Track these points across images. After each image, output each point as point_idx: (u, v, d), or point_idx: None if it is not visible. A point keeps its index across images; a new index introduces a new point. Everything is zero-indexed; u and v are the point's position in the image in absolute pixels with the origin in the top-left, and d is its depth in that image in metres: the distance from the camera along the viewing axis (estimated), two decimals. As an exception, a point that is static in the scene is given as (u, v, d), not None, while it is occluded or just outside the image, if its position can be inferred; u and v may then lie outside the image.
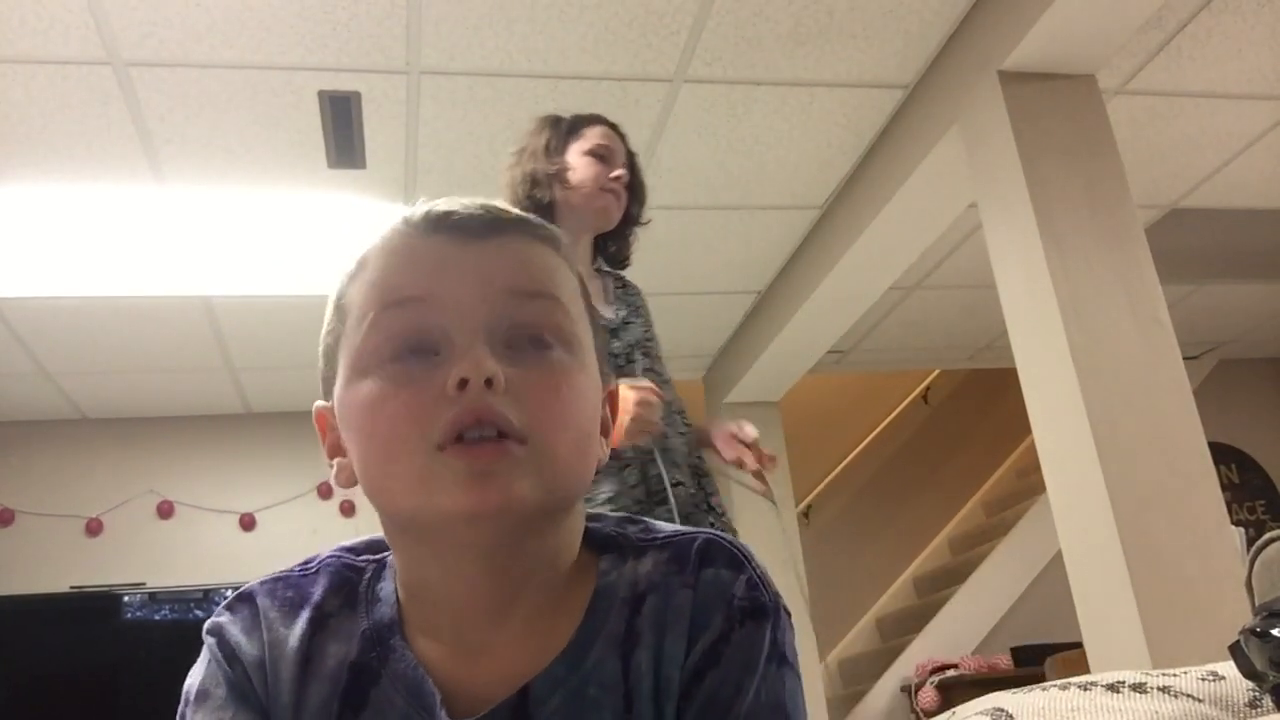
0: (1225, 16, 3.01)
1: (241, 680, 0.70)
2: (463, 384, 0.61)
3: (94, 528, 4.90)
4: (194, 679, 0.72)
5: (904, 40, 2.99)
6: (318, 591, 0.72)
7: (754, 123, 3.29)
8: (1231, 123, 3.57)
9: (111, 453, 5.04)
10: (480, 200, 0.69)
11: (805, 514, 6.24)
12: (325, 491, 5.07)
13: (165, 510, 4.98)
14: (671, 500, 1.83)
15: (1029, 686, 0.76)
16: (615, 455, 1.80)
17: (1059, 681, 0.75)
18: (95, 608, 4.66)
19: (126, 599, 4.69)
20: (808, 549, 5.13)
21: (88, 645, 4.62)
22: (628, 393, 1.71)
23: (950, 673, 4.88)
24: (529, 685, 0.65)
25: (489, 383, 0.61)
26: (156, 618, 4.70)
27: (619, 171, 2.05)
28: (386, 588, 0.71)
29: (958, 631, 5.37)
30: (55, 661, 4.59)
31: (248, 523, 5.04)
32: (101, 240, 3.58)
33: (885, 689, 5.35)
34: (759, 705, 0.65)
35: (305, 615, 0.70)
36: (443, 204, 0.68)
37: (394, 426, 0.63)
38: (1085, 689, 0.72)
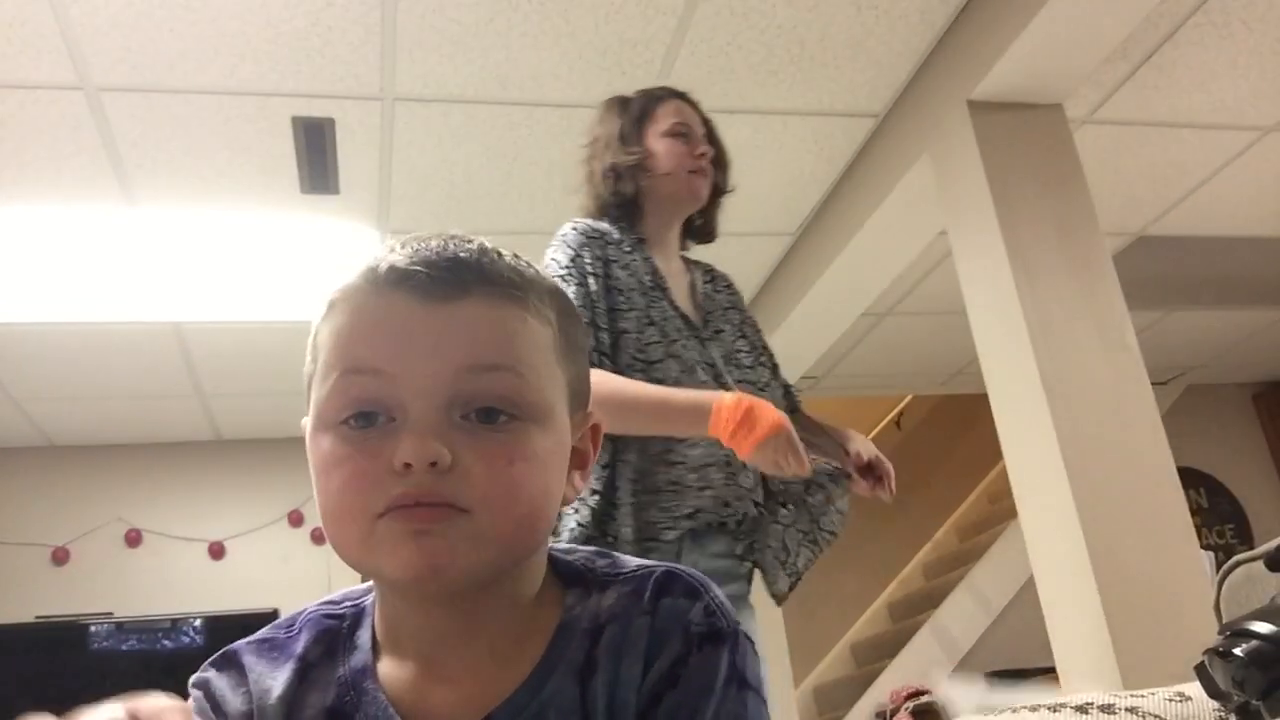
0: (1189, 48, 3.06)
1: None
2: (408, 465, 0.63)
3: (60, 556, 4.83)
4: None
5: (875, 70, 3.02)
6: (300, 645, 0.74)
7: (728, 149, 3.31)
8: (1197, 152, 3.63)
9: (79, 480, 4.98)
10: (452, 246, 0.69)
11: (779, 540, 6.23)
12: (296, 519, 5.02)
13: (133, 539, 4.92)
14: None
15: (1000, 709, 0.77)
16: (728, 461, 1.72)
17: (1029, 704, 0.75)
18: (61, 638, 4.59)
19: (93, 629, 4.62)
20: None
21: (54, 676, 4.54)
22: (764, 413, 1.60)
23: (925, 698, 4.88)
24: (492, 714, 0.67)
25: (436, 464, 0.63)
26: (124, 648, 4.63)
27: (704, 148, 1.93)
28: (364, 635, 0.74)
29: (932, 657, 5.38)
30: (20, 692, 4.51)
31: (217, 551, 4.98)
32: (72, 265, 3.56)
33: (860, 715, 5.34)
34: None
35: (290, 667, 0.72)
36: (408, 255, 0.68)
37: (342, 494, 0.65)
38: (1055, 710, 0.72)
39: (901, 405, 6.83)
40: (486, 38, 2.74)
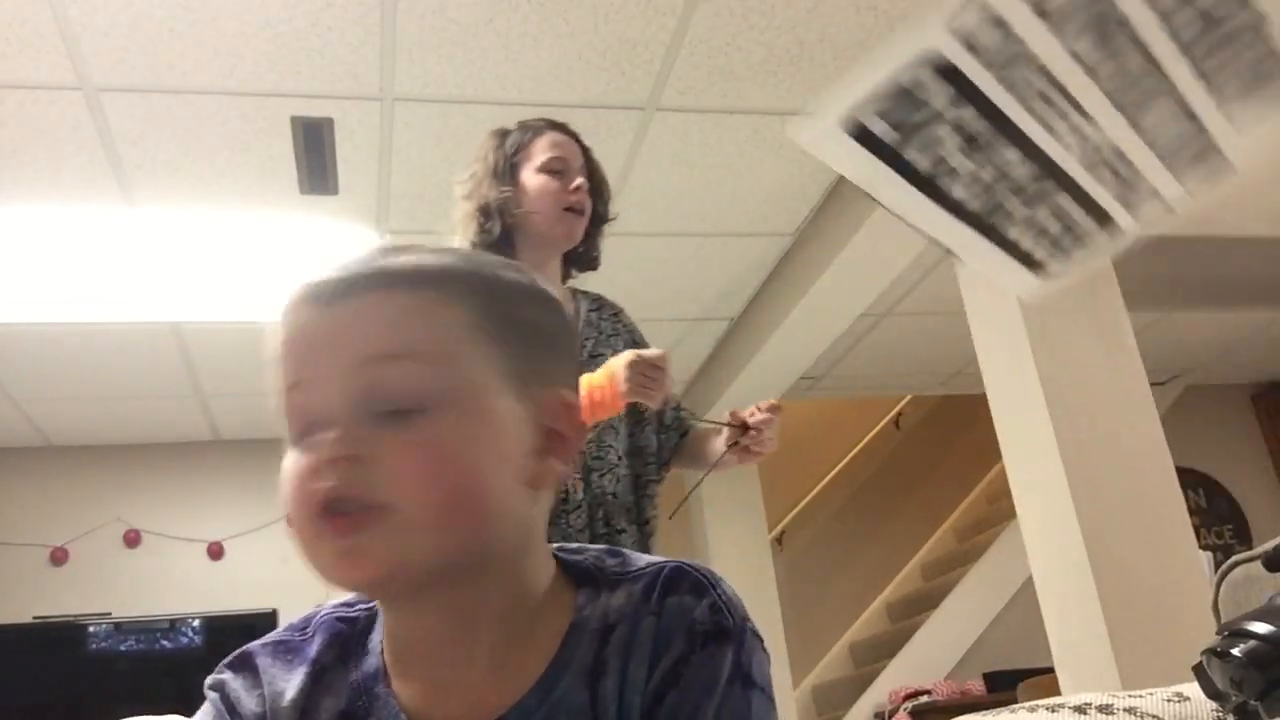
0: (1187, 49, 3.06)
1: None
2: (327, 461, 0.65)
3: (59, 557, 4.83)
4: None
5: (874, 70, 3.02)
6: (314, 648, 0.74)
7: (726, 151, 3.31)
8: (1195, 153, 3.62)
9: (77, 480, 4.98)
10: (368, 254, 0.70)
11: (778, 540, 6.24)
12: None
13: (132, 539, 4.92)
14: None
15: (998, 710, 0.77)
16: (564, 499, 1.74)
17: (1027, 704, 0.75)
18: (60, 638, 4.59)
19: (92, 629, 4.62)
20: (780, 576, 5.13)
21: (52, 676, 4.54)
22: (618, 361, 1.63)
23: (923, 699, 4.88)
24: (502, 718, 0.67)
25: (350, 458, 0.64)
26: (122, 648, 4.63)
27: (577, 182, 1.89)
28: (374, 638, 0.74)
29: (931, 657, 5.38)
30: (19, 693, 4.51)
31: (216, 552, 4.98)
32: (71, 265, 3.55)
33: (859, 716, 5.35)
34: None
35: (303, 671, 0.73)
36: (321, 272, 0.70)
37: (290, 500, 0.67)
38: (1053, 711, 0.72)
39: (900, 406, 6.83)
40: (486, 38, 2.75)
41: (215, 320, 4.00)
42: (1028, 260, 1.16)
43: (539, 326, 0.73)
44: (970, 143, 0.97)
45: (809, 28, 2.82)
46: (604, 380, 1.64)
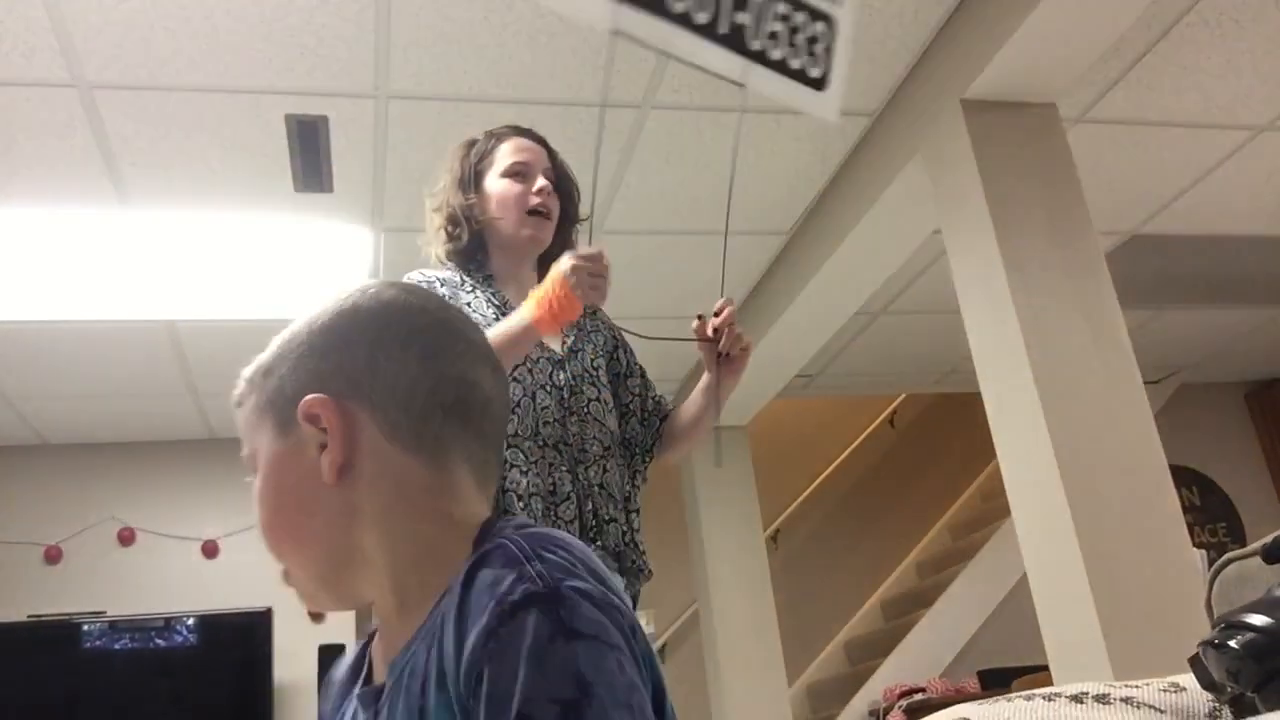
0: (1182, 47, 3.07)
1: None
2: None
3: (53, 555, 4.82)
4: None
5: (869, 68, 3.03)
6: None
7: (721, 149, 3.31)
8: (1190, 151, 3.64)
9: (72, 479, 4.97)
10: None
11: (773, 538, 6.25)
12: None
13: (126, 537, 4.91)
14: (605, 537, 1.79)
15: (995, 698, 0.77)
16: (553, 491, 1.77)
17: (1023, 693, 0.75)
18: (54, 637, 4.58)
19: (86, 628, 4.61)
20: (775, 574, 5.14)
21: (47, 675, 4.53)
22: (560, 267, 1.66)
23: (918, 696, 4.89)
24: (390, 665, 0.80)
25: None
26: (117, 647, 4.62)
27: (539, 185, 1.90)
28: None
29: (925, 655, 5.39)
30: (13, 692, 4.50)
31: (210, 550, 4.97)
32: (64, 263, 3.55)
33: (853, 713, 5.35)
34: (545, 683, 0.65)
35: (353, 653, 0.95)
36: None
37: None
38: (1050, 700, 0.72)
39: (895, 404, 6.84)
40: (480, 35, 2.74)
41: (209, 318, 4.00)
42: (806, 79, 1.48)
43: (279, 360, 0.88)
44: None
45: (804, 26, 2.82)
46: (553, 288, 1.66)
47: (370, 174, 3.25)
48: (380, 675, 0.84)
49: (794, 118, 3.21)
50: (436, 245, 1.95)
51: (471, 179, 1.93)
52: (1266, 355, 5.82)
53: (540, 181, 1.91)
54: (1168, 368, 5.84)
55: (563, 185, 1.98)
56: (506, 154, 1.93)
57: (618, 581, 1.54)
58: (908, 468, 6.69)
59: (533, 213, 1.90)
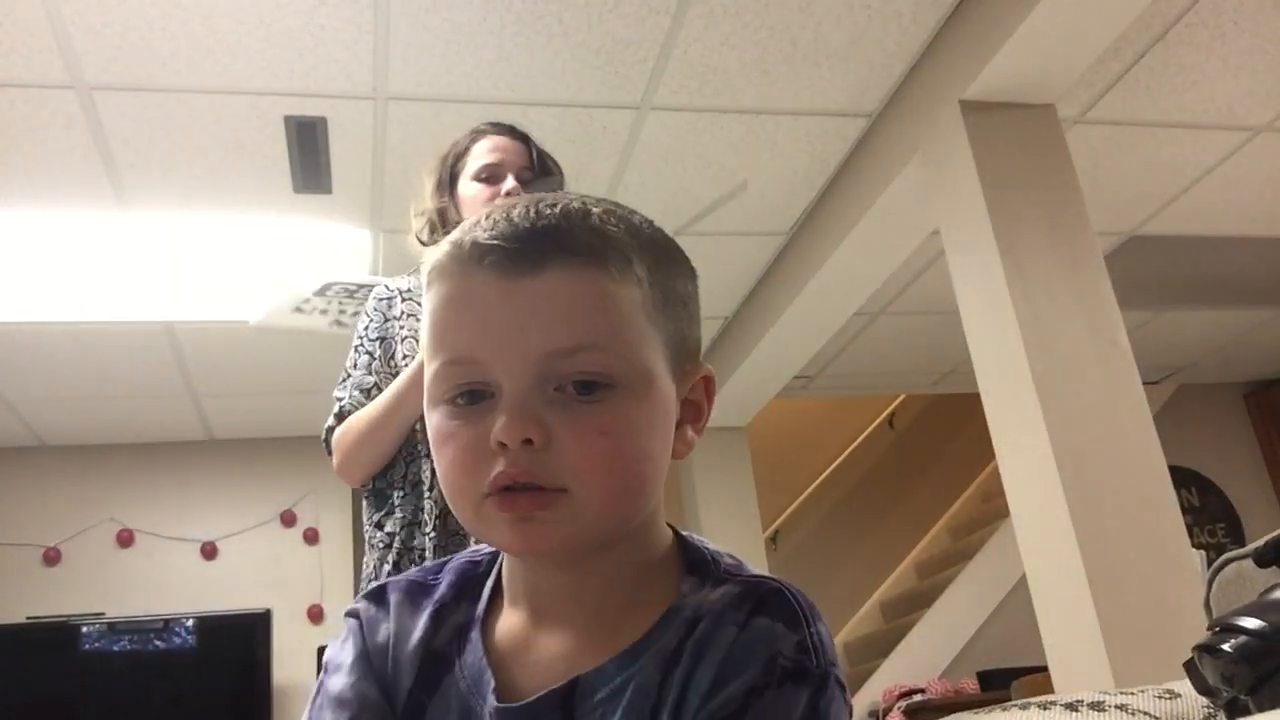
0: (1181, 48, 3.07)
1: (369, 656, 0.77)
2: (503, 444, 0.65)
3: (52, 557, 4.82)
4: (330, 652, 0.78)
5: (868, 69, 3.02)
6: (439, 590, 0.79)
7: (720, 150, 3.31)
8: (1188, 152, 3.64)
9: (70, 480, 4.96)
10: (534, 213, 0.69)
11: (773, 539, 6.25)
12: (288, 519, 5.02)
13: (125, 539, 4.91)
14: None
15: (992, 707, 0.77)
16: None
17: (1019, 702, 0.75)
18: (53, 638, 4.58)
19: (85, 629, 4.61)
20: (775, 573, 5.12)
21: (45, 677, 4.53)
22: None
23: (917, 698, 4.89)
24: (579, 678, 0.69)
25: (529, 441, 0.65)
26: (116, 648, 4.62)
27: (507, 187, 1.85)
28: (490, 584, 0.78)
29: (925, 656, 5.38)
30: (12, 693, 4.50)
31: (209, 551, 4.97)
32: (63, 265, 3.55)
33: (853, 715, 5.35)
34: None
35: (427, 612, 0.77)
36: (489, 229, 0.69)
37: (451, 471, 0.69)
38: (1045, 709, 0.72)
39: (894, 405, 6.84)
40: (479, 36, 2.74)
41: (208, 320, 3.99)
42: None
43: (689, 299, 0.75)
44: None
45: (802, 27, 2.82)
46: None
47: (369, 175, 3.25)
48: (522, 681, 0.72)
49: (793, 119, 3.21)
50: (418, 249, 1.95)
51: (448, 181, 1.92)
52: (1266, 356, 5.82)
53: (509, 183, 1.87)
54: (1167, 368, 5.83)
55: (540, 184, 1.93)
56: (478, 156, 1.91)
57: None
58: (907, 468, 6.69)
59: None
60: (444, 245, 0.71)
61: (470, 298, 0.68)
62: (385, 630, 0.76)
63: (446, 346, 0.69)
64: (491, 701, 0.70)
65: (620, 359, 0.67)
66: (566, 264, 0.67)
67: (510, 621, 0.75)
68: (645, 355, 0.69)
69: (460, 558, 0.81)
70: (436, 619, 0.77)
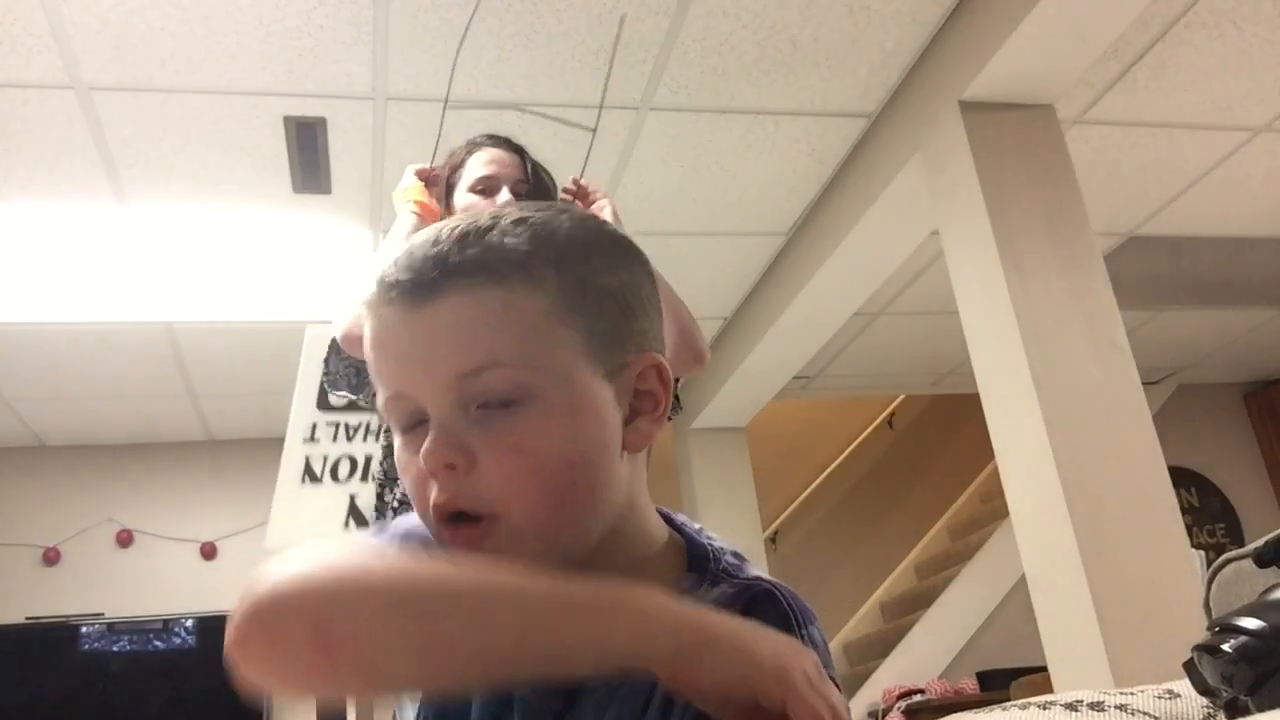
0: (1180, 49, 3.07)
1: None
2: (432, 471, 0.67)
3: (51, 557, 4.82)
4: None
5: (867, 70, 3.03)
6: None
7: (719, 150, 3.31)
8: (1188, 152, 3.64)
9: (70, 480, 4.96)
10: (436, 240, 0.69)
11: (772, 539, 6.25)
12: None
13: (124, 539, 4.91)
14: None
15: (990, 707, 0.77)
16: None
17: (1019, 702, 0.75)
18: (52, 639, 4.58)
19: (84, 630, 4.61)
20: (775, 574, 5.12)
21: (45, 677, 4.53)
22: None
23: (917, 698, 4.89)
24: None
25: (452, 466, 0.66)
26: (115, 649, 4.62)
27: (502, 199, 1.89)
28: None
29: (924, 656, 5.38)
30: (11, 694, 4.50)
31: (209, 552, 4.97)
32: (63, 265, 3.55)
33: (852, 715, 5.33)
34: None
35: None
36: (398, 262, 0.70)
37: (411, 498, 0.70)
38: (1045, 708, 0.72)
39: (893, 405, 6.84)
40: (479, 37, 2.74)
41: (208, 320, 4.00)
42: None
43: (618, 291, 0.72)
44: None
45: (802, 28, 2.82)
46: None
47: (369, 175, 3.25)
48: None
49: (792, 119, 3.21)
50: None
51: (445, 192, 1.96)
52: (1265, 356, 5.82)
53: (503, 195, 1.89)
54: (1166, 369, 5.83)
55: (537, 194, 1.96)
56: (474, 168, 1.93)
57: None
58: (906, 469, 6.69)
59: None
60: (370, 283, 0.72)
61: (385, 334, 0.69)
62: None
63: (380, 383, 0.71)
64: None
65: (528, 370, 0.67)
66: (459, 286, 0.67)
67: None
68: (559, 360, 0.68)
69: None
70: None
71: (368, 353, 0.71)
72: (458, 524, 0.66)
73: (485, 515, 0.66)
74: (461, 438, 0.66)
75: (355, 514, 2.66)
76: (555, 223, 0.71)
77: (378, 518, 1.82)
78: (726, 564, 0.74)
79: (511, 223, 0.70)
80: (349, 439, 2.68)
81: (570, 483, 0.67)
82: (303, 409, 2.66)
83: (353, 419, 2.69)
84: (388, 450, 1.86)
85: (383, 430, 1.92)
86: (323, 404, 2.68)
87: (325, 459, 2.68)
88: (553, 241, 0.70)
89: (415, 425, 0.69)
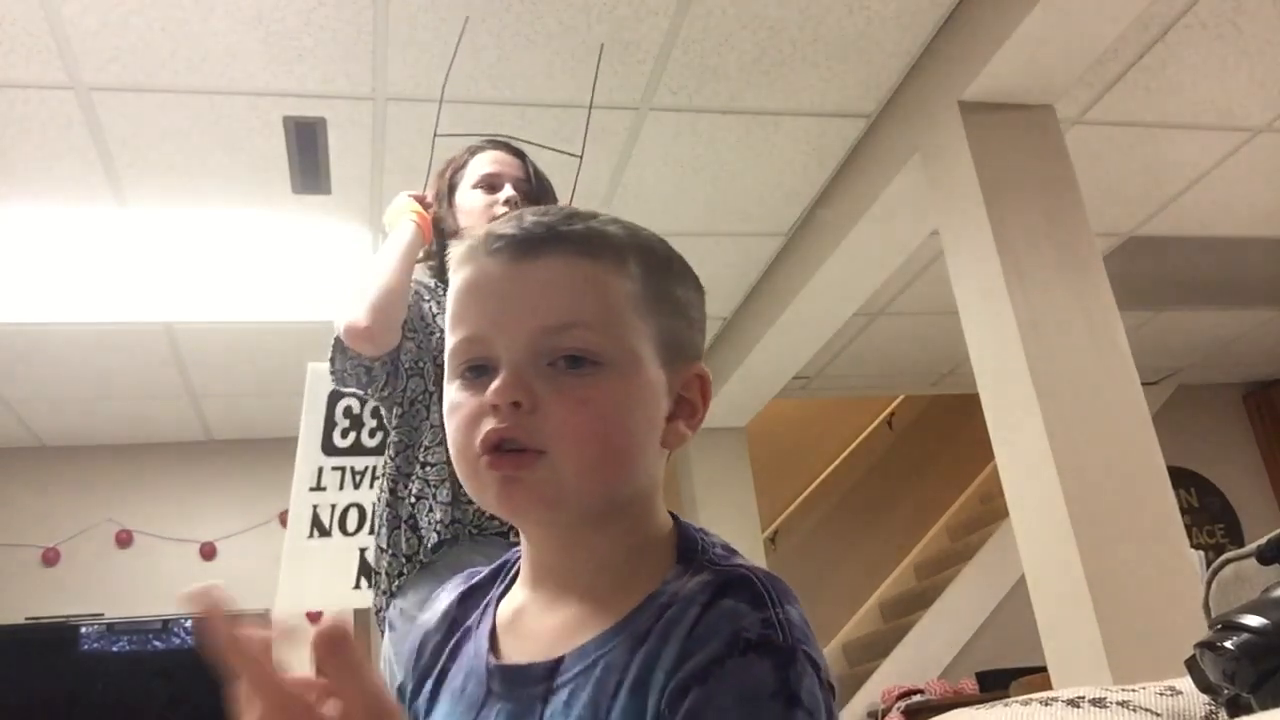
0: (1180, 49, 3.08)
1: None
2: (495, 406, 0.72)
3: (51, 557, 4.82)
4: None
5: (867, 70, 3.03)
6: (482, 573, 0.87)
7: (719, 151, 3.31)
8: (1187, 152, 3.64)
9: (69, 481, 4.96)
10: (549, 214, 0.77)
11: (772, 539, 6.25)
12: (288, 519, 5.01)
13: (124, 539, 4.91)
14: None
15: (993, 703, 0.77)
16: None
17: (1021, 698, 0.75)
18: (52, 639, 4.58)
19: (84, 630, 4.61)
20: (774, 573, 5.13)
21: (44, 677, 4.53)
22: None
23: (916, 698, 4.89)
24: (564, 657, 0.73)
25: (517, 404, 0.72)
26: (114, 649, 4.62)
27: (504, 195, 1.94)
28: (520, 566, 0.84)
29: (924, 656, 5.38)
30: (11, 694, 4.50)
31: (208, 552, 4.97)
32: (62, 265, 3.54)
33: (852, 714, 5.35)
34: None
35: (458, 590, 0.86)
36: (506, 222, 0.77)
37: (457, 433, 0.75)
38: (1046, 704, 0.72)
39: (893, 405, 6.84)
40: (478, 37, 2.74)
41: (207, 320, 3.99)
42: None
43: (685, 303, 0.81)
44: None
45: (801, 28, 2.83)
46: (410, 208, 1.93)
47: (368, 175, 3.25)
48: (517, 651, 0.78)
49: (792, 119, 3.21)
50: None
51: (445, 193, 2.01)
52: (1264, 356, 5.82)
53: (507, 191, 1.95)
54: (1166, 369, 5.84)
55: (539, 195, 2.00)
56: (478, 166, 2.00)
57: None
58: (906, 469, 6.68)
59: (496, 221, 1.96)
60: (467, 239, 0.79)
61: (482, 279, 0.76)
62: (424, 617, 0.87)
63: (461, 324, 0.77)
64: (490, 659, 0.77)
65: (607, 339, 0.73)
66: (563, 252, 0.75)
67: (517, 598, 0.81)
68: (631, 341, 0.75)
69: (515, 549, 0.87)
70: (464, 596, 0.85)
71: (454, 296, 0.77)
72: (502, 453, 0.71)
73: (533, 449, 0.71)
74: (531, 382, 0.72)
75: (365, 571, 2.67)
76: (644, 231, 0.80)
77: (390, 514, 1.83)
78: (713, 554, 0.76)
79: (610, 218, 0.79)
80: (355, 486, 2.71)
81: (620, 446, 0.73)
82: (308, 454, 2.68)
83: (358, 463, 2.72)
84: (399, 446, 1.86)
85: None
86: (328, 448, 2.70)
87: (333, 508, 2.71)
88: (644, 243, 0.79)
89: (479, 372, 0.74)
